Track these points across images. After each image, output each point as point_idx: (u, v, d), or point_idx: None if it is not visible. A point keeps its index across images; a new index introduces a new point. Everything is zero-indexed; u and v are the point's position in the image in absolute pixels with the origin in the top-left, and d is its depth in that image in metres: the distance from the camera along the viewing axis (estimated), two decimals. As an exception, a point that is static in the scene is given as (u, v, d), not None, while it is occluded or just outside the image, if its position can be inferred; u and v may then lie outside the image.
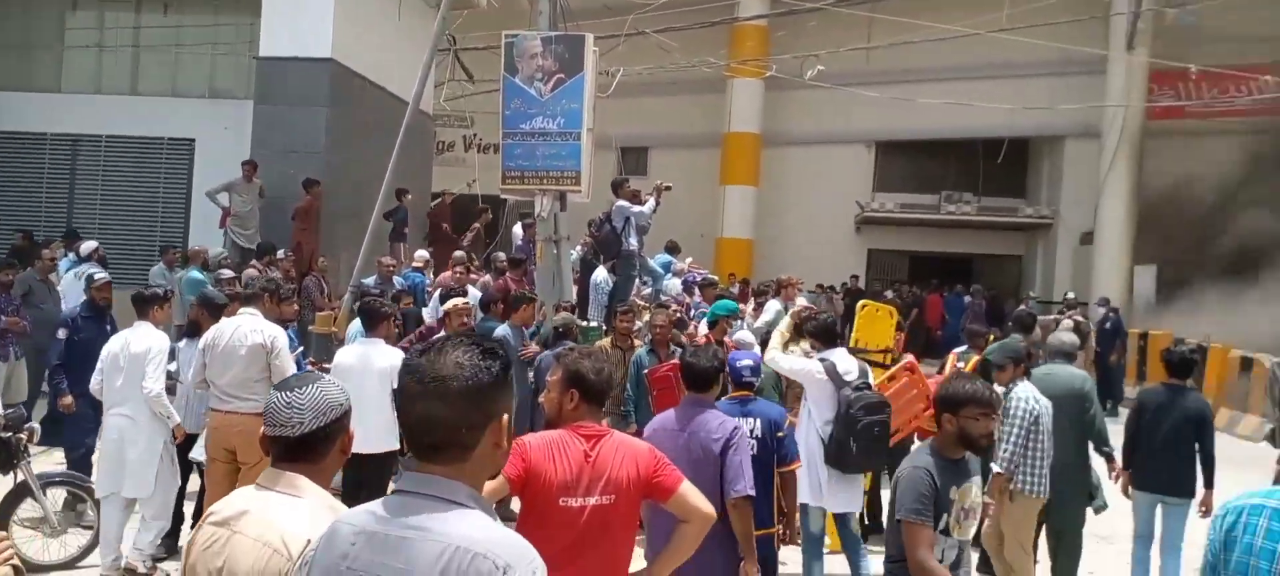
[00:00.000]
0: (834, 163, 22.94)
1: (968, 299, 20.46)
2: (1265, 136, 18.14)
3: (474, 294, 10.02)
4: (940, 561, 3.18)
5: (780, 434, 4.58)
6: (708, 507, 3.02)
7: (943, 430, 3.34)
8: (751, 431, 4.45)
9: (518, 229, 12.55)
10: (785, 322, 6.17)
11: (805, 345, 5.92)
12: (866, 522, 6.57)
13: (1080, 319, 13.75)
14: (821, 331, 5.71)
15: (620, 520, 2.99)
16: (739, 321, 8.18)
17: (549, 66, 8.65)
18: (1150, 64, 18.27)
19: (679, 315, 8.87)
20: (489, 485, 2.94)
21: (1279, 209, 16.95)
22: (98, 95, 13.25)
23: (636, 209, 10.69)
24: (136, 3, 13.50)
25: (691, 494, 3.00)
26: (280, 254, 10.88)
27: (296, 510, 1.99)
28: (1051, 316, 13.60)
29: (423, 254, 12.11)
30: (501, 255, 11.83)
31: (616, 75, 12.10)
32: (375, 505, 1.69)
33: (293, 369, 5.61)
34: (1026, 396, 5.37)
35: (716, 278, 14.97)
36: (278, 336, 5.63)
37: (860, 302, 8.73)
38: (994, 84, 19.48)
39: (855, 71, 18.64)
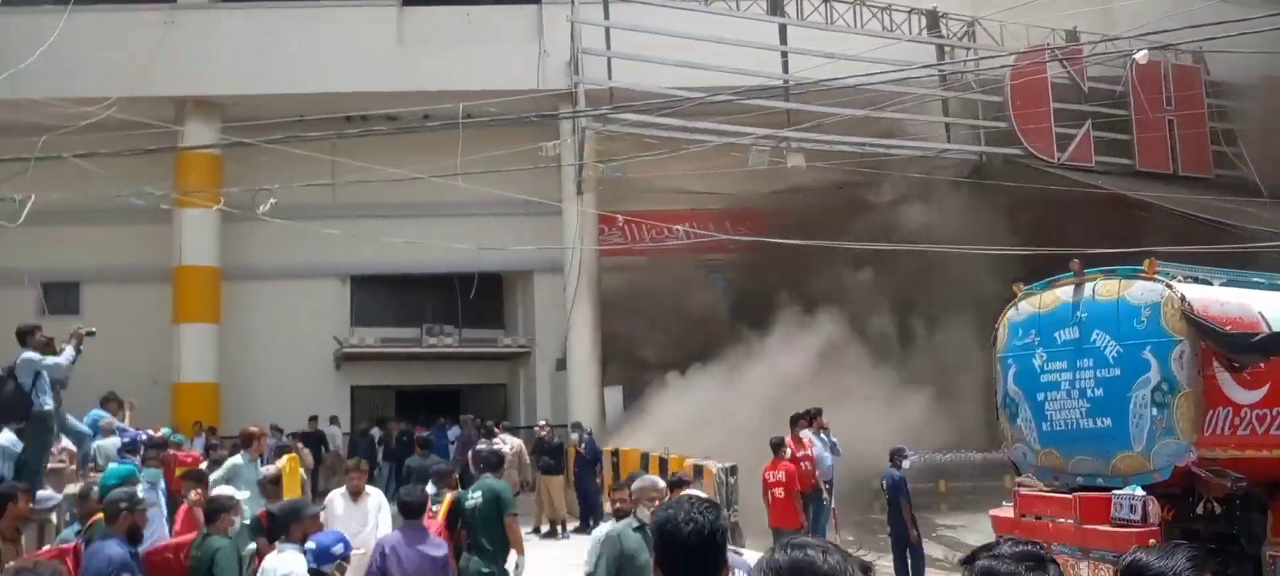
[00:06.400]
0: (308, 297, 21.79)
1: (454, 431, 20.57)
2: (689, 271, 21.20)
3: None
4: None
5: None
6: None
7: None
8: None
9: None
10: None
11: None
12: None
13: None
14: None
15: None
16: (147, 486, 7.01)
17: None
18: (598, 209, 20.44)
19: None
20: None
21: (704, 336, 19.74)
22: None
23: (51, 360, 9.03)
24: None
25: None
26: None
27: None
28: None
29: None
30: None
31: (26, 203, 10.04)
32: None
33: None
34: None
35: (171, 433, 13.07)
36: None
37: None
38: (461, 221, 20.21)
39: (321, 205, 18.04)
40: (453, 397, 24.11)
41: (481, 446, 12.83)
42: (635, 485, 5.93)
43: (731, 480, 13.30)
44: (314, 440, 17.58)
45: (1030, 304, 8.70)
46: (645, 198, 20.51)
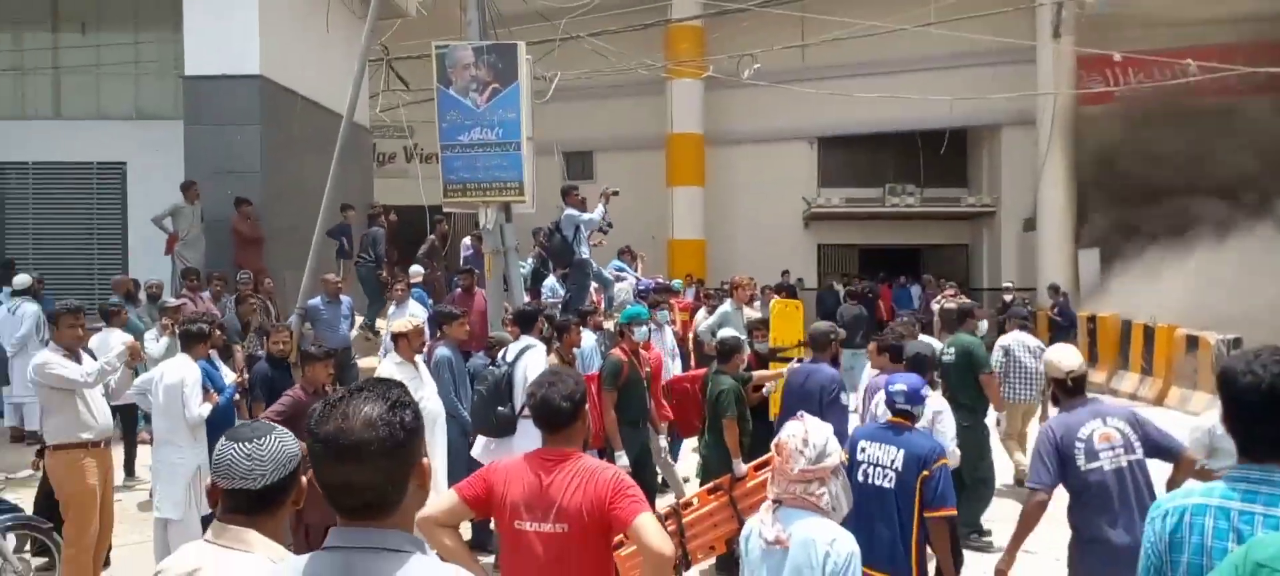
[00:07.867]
0: (778, 160, 23.06)
1: (915, 289, 20.68)
2: (1191, 117, 18.56)
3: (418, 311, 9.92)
4: None
5: (926, 473, 4.13)
6: (665, 545, 2.77)
7: None
8: (891, 463, 4.22)
9: (468, 241, 12.46)
10: None
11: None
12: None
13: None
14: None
15: (576, 551, 2.87)
16: (649, 327, 8.06)
17: (483, 76, 8.52)
18: (1076, 51, 18.62)
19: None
20: (443, 505, 3.06)
21: (1209, 188, 17.33)
22: (19, 121, 12.84)
23: (586, 216, 10.67)
24: (53, 23, 13.09)
25: (648, 528, 2.76)
26: (240, 278, 10.59)
27: (250, 567, 1.93)
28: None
29: (418, 269, 12.04)
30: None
31: (553, 80, 11.95)
32: (315, 564, 1.63)
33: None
34: None
35: (673, 282, 14.96)
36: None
37: (773, 301, 8.78)
38: (928, 76, 19.66)
39: (792, 69, 18.76)
40: (913, 256, 24.19)
41: (949, 304, 12.85)
42: None
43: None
44: (786, 291, 18.83)
45: None
46: (1133, 36, 18.24)
